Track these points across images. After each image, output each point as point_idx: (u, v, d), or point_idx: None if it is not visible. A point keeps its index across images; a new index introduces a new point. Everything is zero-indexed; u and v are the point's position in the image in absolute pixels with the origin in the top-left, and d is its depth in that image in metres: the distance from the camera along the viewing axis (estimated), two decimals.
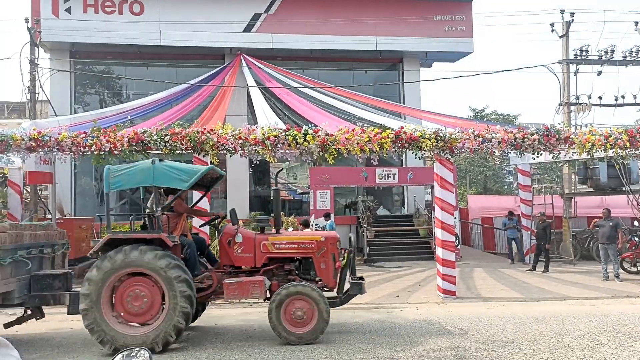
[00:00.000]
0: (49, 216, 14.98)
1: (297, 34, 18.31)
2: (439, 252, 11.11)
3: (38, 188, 15.92)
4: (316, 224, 15.86)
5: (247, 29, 18.37)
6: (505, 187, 42.32)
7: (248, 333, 7.68)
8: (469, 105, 61.25)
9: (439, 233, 11.16)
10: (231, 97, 15.88)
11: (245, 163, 18.82)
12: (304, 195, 24.84)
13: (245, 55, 18.03)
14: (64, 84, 18.10)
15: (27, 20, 15.29)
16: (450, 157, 11.29)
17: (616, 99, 16.89)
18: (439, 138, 10.94)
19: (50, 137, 10.42)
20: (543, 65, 15.98)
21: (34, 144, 10.40)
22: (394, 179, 16.68)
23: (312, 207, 16.24)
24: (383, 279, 13.57)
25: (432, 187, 17.63)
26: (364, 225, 17.25)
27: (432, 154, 11.30)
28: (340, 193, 20.77)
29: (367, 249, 16.86)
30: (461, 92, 70.91)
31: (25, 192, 15.20)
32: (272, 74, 16.97)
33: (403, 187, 20.42)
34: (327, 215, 15.14)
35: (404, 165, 19.35)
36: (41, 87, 15.04)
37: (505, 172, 42.81)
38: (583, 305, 9.59)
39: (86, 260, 15.57)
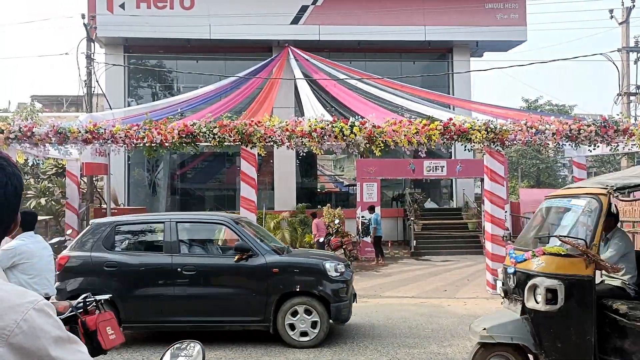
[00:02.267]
0: (105, 206, 15.55)
1: (344, 25, 18.20)
2: (489, 246, 10.86)
3: (94, 179, 16.56)
4: (362, 217, 15.82)
5: (295, 21, 18.40)
6: (560, 180, 40.91)
7: None
8: (522, 96, 59.33)
9: (488, 227, 10.89)
10: (278, 89, 15.98)
11: (292, 155, 18.98)
12: (350, 188, 24.77)
13: (293, 48, 18.08)
14: (118, 78, 18.69)
15: (83, 16, 15.85)
16: (501, 149, 10.97)
17: None
18: (489, 130, 10.65)
19: (105, 129, 10.77)
20: (601, 54, 15.26)
21: (90, 136, 10.77)
22: (442, 171, 16.38)
23: (358, 200, 16.17)
24: (430, 272, 13.39)
25: (482, 179, 17.26)
26: (411, 218, 17.05)
27: (482, 146, 11.02)
28: (387, 185, 20.61)
29: (414, 242, 16.67)
30: (513, 82, 68.80)
31: (82, 182, 15.82)
32: (319, 66, 16.95)
33: (451, 179, 20.04)
34: (371, 208, 15.07)
35: (452, 158, 18.97)
36: (97, 82, 15.59)
37: (559, 164, 41.40)
38: None
39: None
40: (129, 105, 18.45)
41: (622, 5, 15.85)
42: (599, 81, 65.85)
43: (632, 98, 15.74)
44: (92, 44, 15.84)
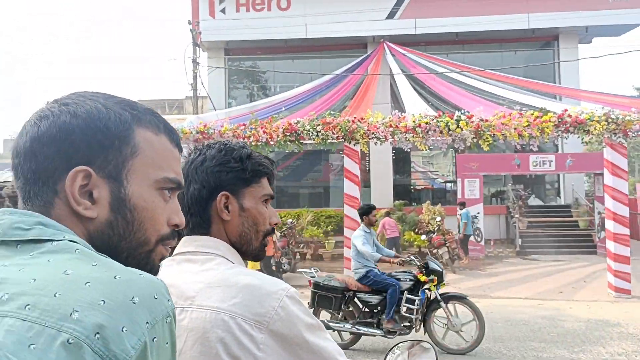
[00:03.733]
0: None
1: (441, 17, 17.68)
2: (611, 246, 10.07)
3: None
4: (461, 214, 15.29)
5: (390, 15, 18.16)
6: None
7: None
8: (633, 84, 54.88)
9: (610, 225, 10.11)
10: (376, 85, 15.85)
11: (388, 152, 18.81)
12: (446, 185, 24.14)
13: (388, 43, 17.86)
14: (219, 80, 19.44)
15: (189, 22, 16.63)
16: (623, 141, 10.14)
17: None
18: (610, 120, 9.88)
19: (214, 129, 11.22)
20: None
21: (200, 136, 11.26)
22: (550, 166, 15.47)
23: (459, 196, 15.67)
24: (540, 273, 12.68)
25: (595, 174, 16.12)
26: (515, 216, 16.25)
27: (602, 138, 10.23)
28: (487, 182, 19.81)
29: (520, 240, 15.87)
30: (623, 70, 63.78)
31: None
32: (416, 60, 16.61)
33: (558, 175, 18.89)
34: (462, 205, 14.55)
35: (559, 152, 17.87)
36: (202, 84, 16.32)
37: None
38: None
39: None
40: (229, 106, 19.13)
41: None
42: None
43: None
44: (197, 48, 16.57)
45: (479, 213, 15.35)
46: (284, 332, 1.01)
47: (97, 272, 0.64)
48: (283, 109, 13.46)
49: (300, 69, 18.32)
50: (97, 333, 0.58)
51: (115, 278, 0.63)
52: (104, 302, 0.60)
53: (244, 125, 11.04)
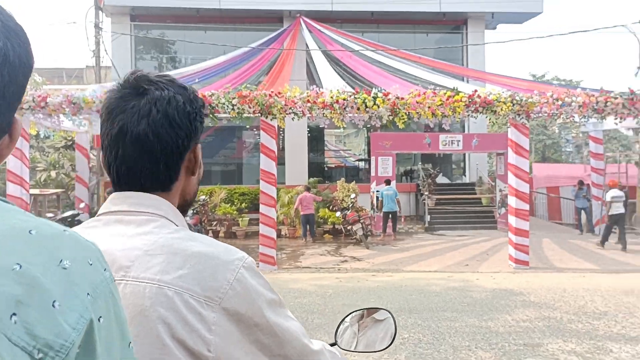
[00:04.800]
0: None
1: None
2: (512, 220, 10.70)
3: None
4: (377, 191, 15.62)
5: None
6: (564, 156, 40.80)
7: (325, 297, 7.59)
8: (529, 71, 58.77)
9: (512, 201, 10.72)
10: (293, 61, 15.60)
11: (303, 129, 18.71)
12: (359, 163, 24.57)
13: (305, 18, 17.62)
14: (124, 49, 18.22)
15: None
16: (526, 121, 10.73)
17: None
18: (514, 102, 10.40)
19: None
20: (622, 26, 14.92)
21: None
22: (458, 145, 16.14)
23: (372, 174, 15.95)
24: (448, 247, 13.27)
25: (497, 154, 17.06)
26: (425, 193, 16.86)
27: (507, 118, 10.77)
28: (398, 160, 20.37)
29: (428, 217, 16.51)
30: (520, 57, 68.11)
31: (92, 155, 15.56)
32: (333, 37, 16.54)
33: (464, 154, 19.81)
34: (387, 182, 14.83)
35: (465, 132, 18.71)
36: (105, 52, 15.19)
37: (564, 140, 41.24)
38: None
39: None
40: None
41: None
42: (607, 56, 65.15)
43: None
44: (100, 12, 15.38)
45: (377, 191, 15.68)
46: (240, 310, 0.83)
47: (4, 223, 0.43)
48: (197, 80, 12.86)
49: (213, 41, 17.62)
50: (14, 314, 0.38)
51: (30, 233, 0.42)
52: (20, 267, 0.39)
53: None
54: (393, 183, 15.17)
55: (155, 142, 0.91)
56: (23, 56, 0.63)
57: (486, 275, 9.37)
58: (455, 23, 19.91)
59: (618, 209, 13.11)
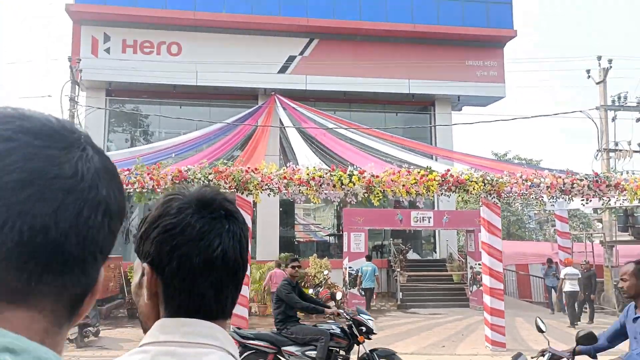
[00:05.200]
0: None
1: (331, 75, 18.43)
2: (487, 300, 10.67)
3: None
4: (349, 267, 15.48)
5: (282, 70, 18.53)
6: (527, 232, 41.73)
7: None
8: (491, 149, 61.14)
9: (486, 280, 10.74)
10: (268, 137, 15.84)
11: (275, 204, 18.68)
12: (329, 238, 24.48)
13: (279, 96, 18.10)
14: (98, 122, 18.23)
15: (70, 59, 15.53)
16: (497, 200, 10.99)
17: None
18: (486, 182, 10.69)
19: None
20: (581, 111, 15.80)
21: None
22: (429, 222, 16.33)
23: (345, 250, 15.87)
24: (422, 326, 13.05)
25: (467, 231, 17.31)
26: (397, 270, 16.79)
27: (479, 197, 11.02)
28: (368, 236, 20.44)
29: (401, 294, 16.35)
30: (483, 137, 70.98)
31: None
32: (306, 115, 16.96)
33: (434, 230, 20.02)
34: (368, 257, 14.87)
35: (435, 209, 19.00)
36: (79, 125, 15.10)
37: (528, 217, 42.29)
38: None
39: (113, 301, 15.30)
40: (107, 150, 17.93)
41: (599, 66, 16.58)
42: (564, 138, 68.56)
43: (612, 154, 16.22)
44: (77, 87, 15.46)
45: (350, 267, 15.60)
46: None
47: None
48: (173, 155, 12.84)
49: (188, 116, 17.82)
50: None
51: None
52: None
53: (129, 170, 10.29)
54: (359, 261, 15.12)
55: (243, 267, 0.87)
56: (121, 202, 0.59)
57: (464, 358, 9.17)
58: (424, 104, 20.77)
59: (573, 286, 13.55)
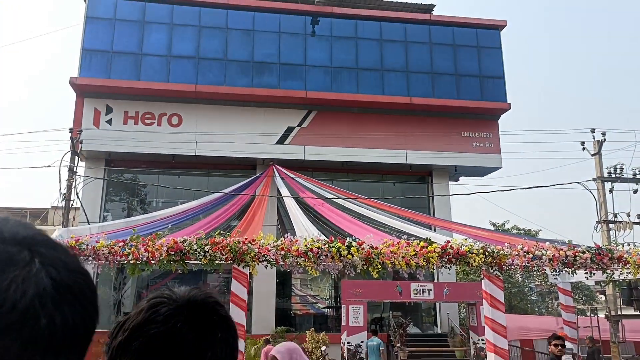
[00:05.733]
0: None
1: (329, 146, 18.65)
2: None
3: None
4: (348, 342, 14.92)
5: (280, 141, 18.77)
6: (529, 305, 40.82)
7: None
8: (489, 219, 61.22)
9: (491, 357, 10.33)
10: (266, 207, 15.77)
11: (272, 274, 18.33)
12: (327, 310, 23.87)
13: (278, 166, 18.22)
14: (95, 192, 18.21)
15: (71, 130, 15.73)
16: (499, 273, 10.77)
17: None
18: (487, 254, 10.52)
19: (87, 245, 10.13)
20: (578, 183, 15.85)
21: None
22: (429, 294, 15.90)
23: (343, 323, 15.35)
24: None
25: (469, 304, 16.85)
26: (397, 345, 16.19)
27: (480, 270, 10.80)
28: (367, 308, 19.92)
29: None
30: (481, 207, 71.20)
31: None
32: (304, 185, 16.98)
33: (434, 303, 19.54)
34: (374, 332, 14.51)
35: (435, 280, 18.63)
36: (77, 195, 15.08)
37: (529, 288, 41.53)
38: None
39: None
40: (104, 220, 17.82)
41: (593, 138, 16.86)
42: (561, 209, 68.80)
43: (611, 226, 16.15)
44: (77, 157, 15.56)
45: (362, 342, 15.06)
46: None
47: None
48: (169, 226, 12.68)
49: (186, 186, 17.84)
50: None
51: None
52: None
53: (123, 241, 10.12)
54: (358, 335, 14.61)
55: None
56: (88, 322, 0.48)
57: None
58: (421, 174, 20.92)
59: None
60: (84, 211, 15.61)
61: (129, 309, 19.76)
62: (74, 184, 14.91)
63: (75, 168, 15.15)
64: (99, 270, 16.38)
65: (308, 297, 30.85)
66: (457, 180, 22.06)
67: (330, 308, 23.72)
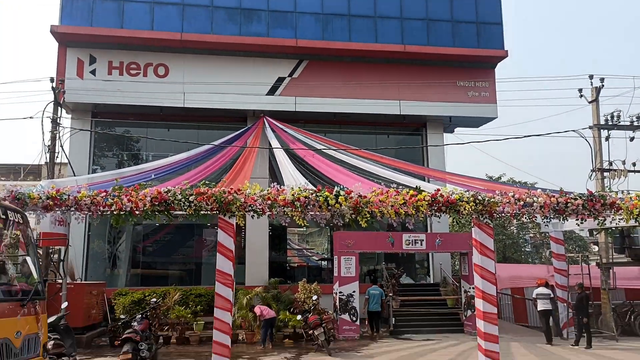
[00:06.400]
0: (60, 280, 14.26)
1: (321, 97, 18.21)
2: (480, 324, 10.21)
3: (50, 250, 15.32)
4: (340, 292, 15.01)
5: (271, 92, 18.31)
6: (523, 256, 41.20)
7: None
8: (485, 172, 61.17)
9: (479, 304, 10.29)
10: (255, 158, 15.51)
11: (265, 227, 18.29)
12: (322, 262, 24.01)
13: (268, 118, 17.86)
14: (83, 145, 17.90)
15: (52, 80, 15.27)
16: (489, 221, 10.62)
17: None
18: (477, 201, 10.32)
19: (69, 195, 9.91)
20: (574, 131, 15.58)
21: (51, 202, 9.87)
22: (421, 245, 15.91)
23: (335, 274, 15.41)
24: (415, 353, 12.54)
25: (461, 254, 16.88)
26: (390, 294, 16.29)
27: (471, 218, 10.64)
28: (360, 260, 19.97)
29: (393, 319, 15.81)
30: (476, 160, 70.94)
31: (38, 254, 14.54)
32: (295, 136, 16.67)
33: (427, 254, 19.59)
34: (374, 281, 15.15)
35: (428, 231, 18.61)
36: (61, 147, 14.77)
37: (523, 240, 41.85)
38: None
39: (95, 329, 14.72)
40: (93, 174, 17.56)
41: (591, 85, 16.44)
42: (559, 159, 68.55)
43: (606, 174, 15.95)
44: (59, 108, 15.15)
45: (354, 291, 15.15)
46: None
47: None
48: (152, 176, 12.44)
49: (176, 139, 17.51)
50: None
51: None
52: None
53: (106, 192, 9.89)
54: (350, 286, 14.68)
55: None
56: None
57: None
58: (415, 125, 20.57)
59: (545, 305, 14.29)
60: (70, 164, 15.36)
61: (124, 263, 19.82)
62: (58, 135, 14.56)
63: (59, 119, 14.76)
64: (95, 222, 16.35)
65: (304, 250, 31.05)
66: (452, 131, 21.70)
67: (324, 260, 23.85)
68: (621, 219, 11.26)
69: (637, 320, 15.69)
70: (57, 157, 14.97)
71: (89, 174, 17.22)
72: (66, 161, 16.60)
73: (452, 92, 19.27)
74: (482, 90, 19.62)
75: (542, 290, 14.52)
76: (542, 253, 38.43)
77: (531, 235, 40.75)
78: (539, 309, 14.55)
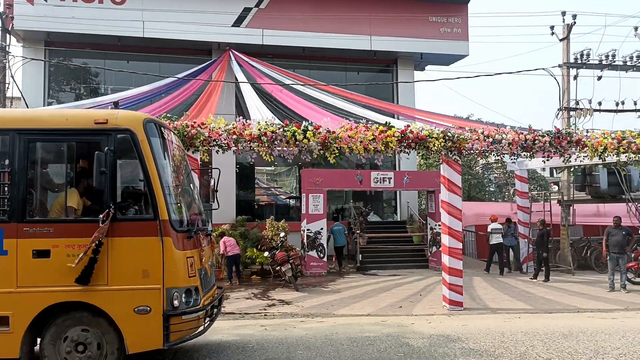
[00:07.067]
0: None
1: (289, 30, 17.46)
2: (446, 259, 10.37)
3: None
4: (307, 229, 15.02)
5: (237, 22, 17.45)
6: (487, 195, 42.20)
7: (246, 351, 6.75)
8: (455, 113, 61.44)
9: (445, 239, 10.41)
10: (220, 93, 14.94)
11: (232, 165, 17.94)
12: (289, 200, 23.95)
13: (234, 51, 17.12)
14: (37, 77, 16.90)
15: None
16: (458, 158, 10.56)
17: (617, 104, 16.45)
18: (447, 138, 10.22)
19: None
20: (543, 69, 15.46)
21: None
22: (389, 182, 15.91)
23: (303, 212, 15.36)
24: (381, 287, 12.76)
25: (428, 192, 17.01)
26: (357, 232, 16.42)
27: (439, 154, 10.56)
28: (328, 198, 19.98)
29: (360, 256, 16.02)
30: (446, 100, 70.98)
31: None
32: (263, 71, 16.08)
33: (395, 192, 19.70)
34: (335, 219, 15.08)
35: (397, 169, 18.62)
36: (12, 77, 13.85)
37: (488, 180, 42.75)
38: (604, 319, 8.92)
39: None
40: (49, 106, 16.69)
41: (563, 22, 16.21)
42: (526, 99, 69.14)
43: (572, 113, 16.04)
44: (8, 36, 14.11)
45: (322, 229, 15.18)
46: None
47: None
48: (110, 107, 11.83)
49: (136, 71, 16.67)
50: None
51: None
52: None
53: None
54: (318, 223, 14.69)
55: None
56: None
57: (421, 319, 8.87)
58: (386, 62, 20.12)
59: (497, 239, 15.40)
60: (23, 96, 14.48)
61: None
62: (7, 65, 13.62)
63: (7, 47, 13.76)
64: None
65: (272, 189, 30.90)
66: (423, 69, 21.38)
67: (292, 198, 23.79)
68: (586, 156, 11.42)
69: (592, 255, 16.28)
70: (7, 88, 14.07)
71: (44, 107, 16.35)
72: (19, 95, 15.68)
73: (424, 27, 18.79)
74: (454, 26, 19.20)
75: (495, 225, 15.47)
76: (505, 192, 39.38)
77: (495, 175, 41.59)
78: (491, 243, 15.51)
